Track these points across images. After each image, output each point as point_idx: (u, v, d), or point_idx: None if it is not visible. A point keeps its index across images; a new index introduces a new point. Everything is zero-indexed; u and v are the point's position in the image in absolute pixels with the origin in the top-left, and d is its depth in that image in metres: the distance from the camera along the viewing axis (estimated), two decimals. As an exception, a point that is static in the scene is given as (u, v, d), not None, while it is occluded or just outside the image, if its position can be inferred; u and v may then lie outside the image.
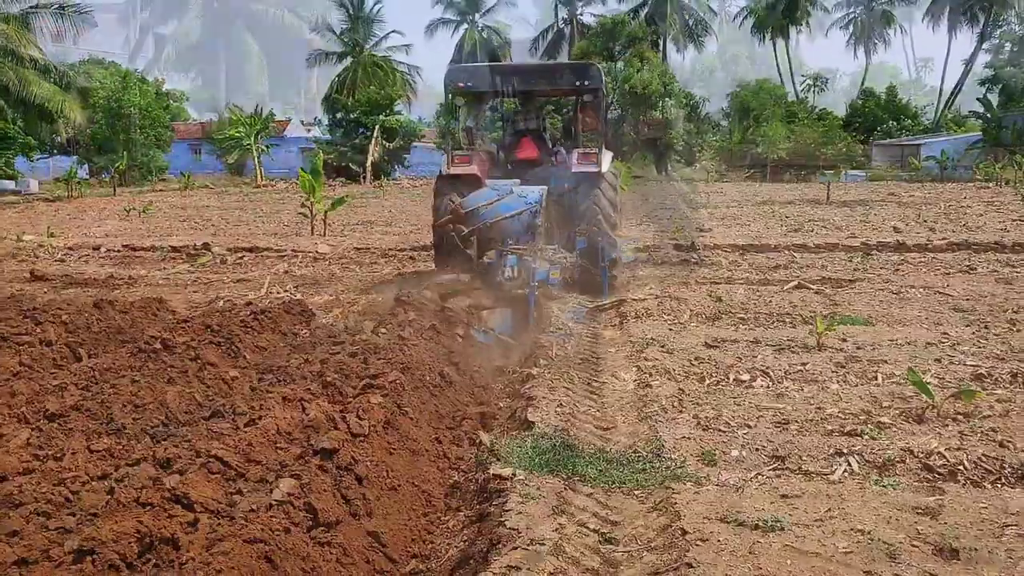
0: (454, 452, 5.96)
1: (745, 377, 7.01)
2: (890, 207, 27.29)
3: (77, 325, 8.91)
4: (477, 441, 5.56)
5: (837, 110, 69.95)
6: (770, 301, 10.41)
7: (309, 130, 78.69)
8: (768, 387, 6.73)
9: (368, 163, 53.87)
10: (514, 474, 4.76)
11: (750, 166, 60.45)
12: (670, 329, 8.90)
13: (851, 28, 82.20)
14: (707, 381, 6.92)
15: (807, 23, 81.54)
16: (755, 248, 15.52)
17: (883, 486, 4.70)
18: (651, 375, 7.05)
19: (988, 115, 51.25)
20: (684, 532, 4.10)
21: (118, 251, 16.26)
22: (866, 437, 5.42)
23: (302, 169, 19.47)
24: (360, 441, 5.29)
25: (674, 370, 7.17)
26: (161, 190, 46.53)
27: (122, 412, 5.91)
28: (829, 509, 4.37)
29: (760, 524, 4.17)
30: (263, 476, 4.63)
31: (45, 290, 12.43)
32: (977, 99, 53.86)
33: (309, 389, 6.22)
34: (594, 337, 8.91)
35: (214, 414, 5.85)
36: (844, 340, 8.23)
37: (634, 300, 10.41)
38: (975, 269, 13.11)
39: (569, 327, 9.23)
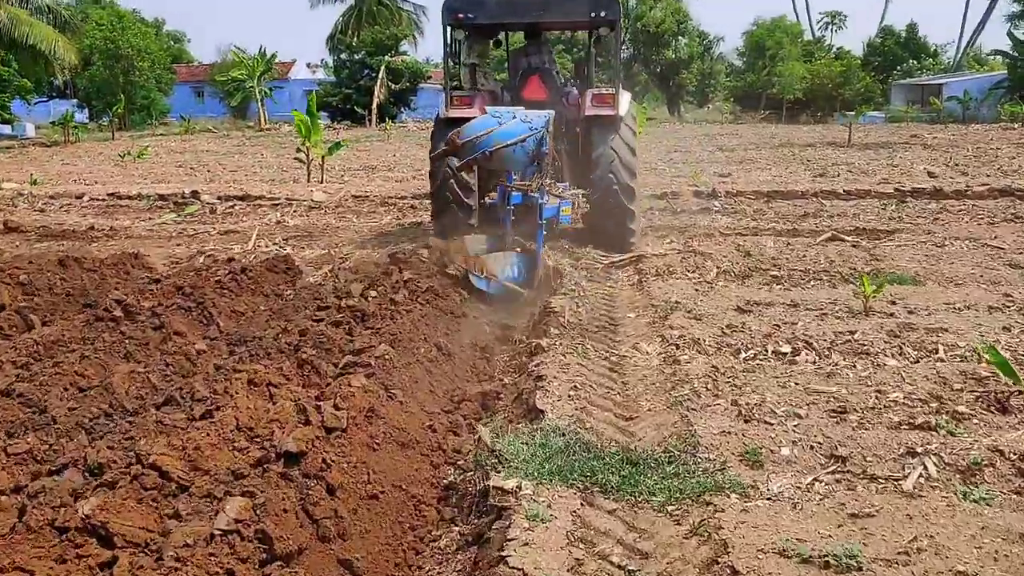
0: (451, 443, 5.09)
1: (786, 349, 6.10)
2: (915, 149, 26.13)
3: (37, 287, 8.05)
4: (477, 436, 4.66)
5: (854, 50, 68.05)
6: (804, 255, 9.46)
7: (314, 72, 77.04)
8: (815, 363, 5.82)
9: (373, 105, 52.49)
10: (519, 487, 3.88)
11: (765, 107, 58.95)
12: (696, 290, 7.96)
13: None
14: (743, 355, 6.00)
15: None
16: (780, 195, 14.49)
17: (975, 501, 3.80)
18: (678, 347, 6.14)
19: (1015, 52, 49.36)
20: (735, 573, 3.22)
21: (102, 200, 15.33)
22: (942, 432, 4.52)
23: (296, 111, 18.32)
24: (336, 437, 4.41)
25: (704, 341, 6.26)
26: (162, 134, 45.47)
27: (60, 398, 5.04)
28: (914, 537, 3.48)
29: (831, 560, 3.28)
30: (210, 491, 3.75)
31: (17, 243, 11.55)
32: (1007, 34, 51.89)
33: (281, 369, 5.33)
34: (611, 299, 7.99)
35: (167, 401, 4.96)
36: (893, 303, 7.30)
37: (654, 255, 9.46)
38: (1022, 218, 12.09)
39: (583, 287, 8.31)
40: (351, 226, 12.76)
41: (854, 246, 10.07)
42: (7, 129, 43.53)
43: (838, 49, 67.50)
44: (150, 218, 13.91)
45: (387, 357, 5.64)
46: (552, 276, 8.37)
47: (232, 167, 24.22)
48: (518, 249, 8.26)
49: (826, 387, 5.25)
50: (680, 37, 58.51)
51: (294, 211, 14.06)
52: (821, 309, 7.17)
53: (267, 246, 11.01)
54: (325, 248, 10.87)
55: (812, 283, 8.29)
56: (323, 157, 17.75)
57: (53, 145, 36.71)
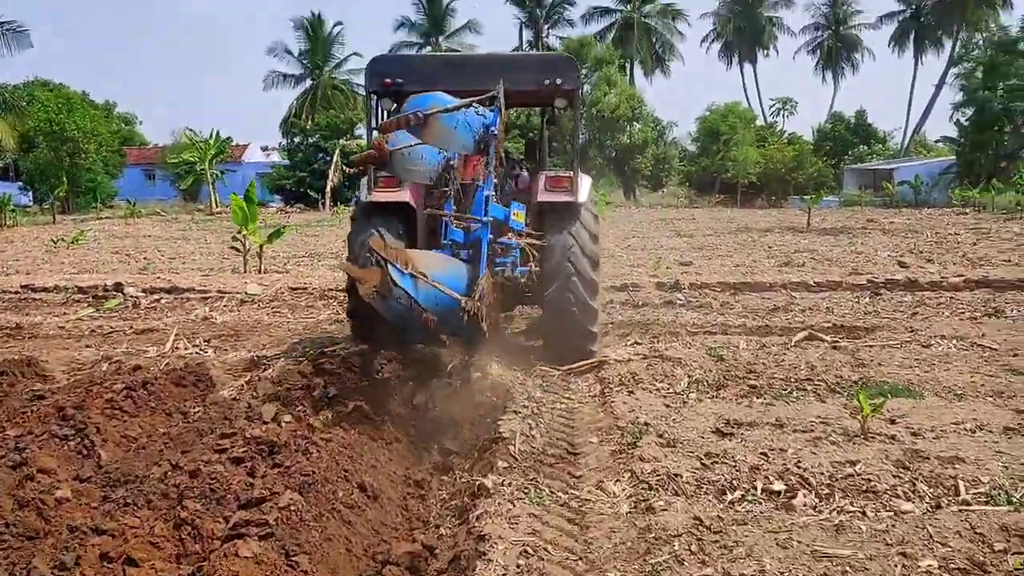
0: (366, 628, 3.97)
1: (779, 487, 5.08)
2: (874, 235, 25.84)
3: None
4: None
5: (805, 135, 69.30)
6: (782, 359, 8.52)
7: (268, 155, 76.43)
8: (816, 507, 4.80)
9: (327, 188, 51.76)
10: None
11: (720, 191, 59.30)
12: (667, 405, 6.94)
13: (818, 53, 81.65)
14: (729, 497, 4.97)
15: (774, 47, 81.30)
16: (747, 286, 13.67)
17: None
18: (651, 487, 5.10)
19: (962, 139, 50.28)
20: None
21: (15, 292, 14.06)
22: (1000, 625, 3.50)
23: (235, 195, 17.32)
24: (205, 642, 3.29)
25: (681, 477, 5.22)
26: (108, 218, 44.21)
27: None
28: None
29: None
30: None
31: (-98, 346, 10.26)
32: (954, 122, 53.02)
33: (152, 531, 4.19)
34: (570, 417, 6.92)
35: (-13, 588, 3.81)
36: (893, 421, 6.34)
37: (617, 360, 8.45)
38: (1003, 312, 11.33)
39: (537, 400, 7.27)
40: (285, 323, 11.65)
41: (835, 347, 9.17)
42: (-60, 213, 41.85)
43: (790, 134, 68.54)
44: (65, 313, 12.67)
45: (293, 509, 4.52)
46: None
47: (171, 254, 23.09)
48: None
49: (837, 549, 4.22)
50: (635, 122, 58.92)
51: (224, 306, 12.92)
52: (812, 430, 6.19)
53: (185, 348, 9.85)
54: (251, 351, 9.74)
55: (796, 395, 7.32)
56: (262, 245, 16.68)
57: (-13, 229, 35.26)
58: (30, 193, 57.26)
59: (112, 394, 6.77)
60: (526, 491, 5.06)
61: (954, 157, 52.37)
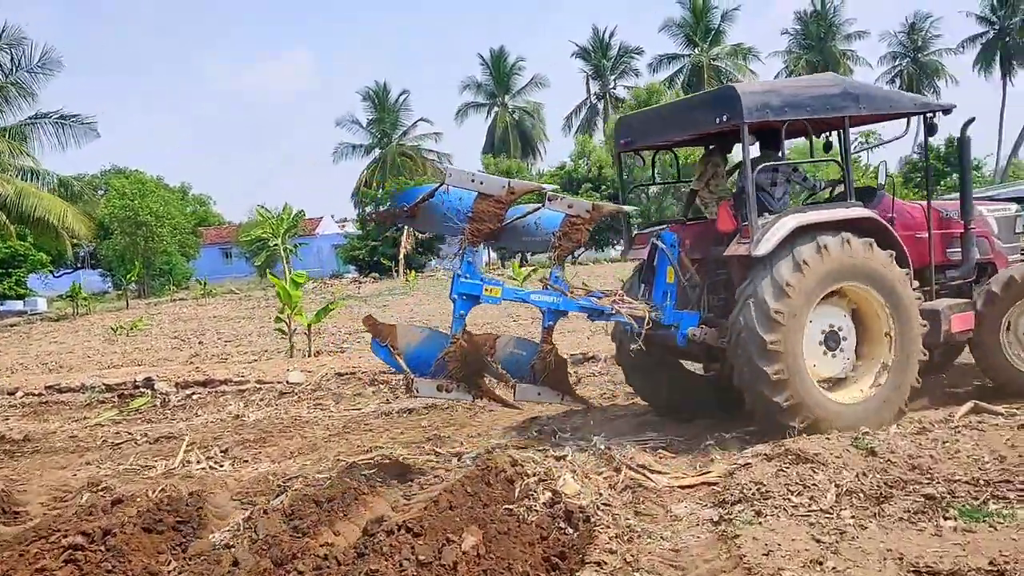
0: None
1: None
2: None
3: None
4: None
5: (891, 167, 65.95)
6: (954, 449, 6.32)
7: (343, 226, 76.26)
8: None
9: (400, 256, 50.84)
10: None
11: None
12: (816, 539, 4.84)
13: (897, 82, 78.46)
14: None
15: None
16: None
17: None
18: None
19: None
20: None
21: (38, 395, 12.66)
22: None
23: (272, 274, 15.83)
24: None
25: None
26: (181, 299, 43.73)
27: None
28: None
29: None
30: None
31: None
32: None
33: None
34: (676, 561, 4.88)
35: None
36: None
37: (738, 465, 6.38)
38: None
39: (627, 529, 5.29)
40: (324, 419, 9.89)
41: (1022, 427, 6.92)
42: (18, 305, 41.91)
43: (876, 167, 65.38)
44: (85, 417, 11.18)
45: None
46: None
47: (230, 335, 21.74)
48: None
49: None
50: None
51: (261, 399, 11.25)
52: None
53: (198, 462, 8.14)
54: (275, 461, 7.99)
55: (997, 508, 5.17)
56: (310, 325, 15.04)
57: (61, 319, 34.75)
58: (109, 279, 57.84)
59: (52, 557, 5.01)
60: None
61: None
